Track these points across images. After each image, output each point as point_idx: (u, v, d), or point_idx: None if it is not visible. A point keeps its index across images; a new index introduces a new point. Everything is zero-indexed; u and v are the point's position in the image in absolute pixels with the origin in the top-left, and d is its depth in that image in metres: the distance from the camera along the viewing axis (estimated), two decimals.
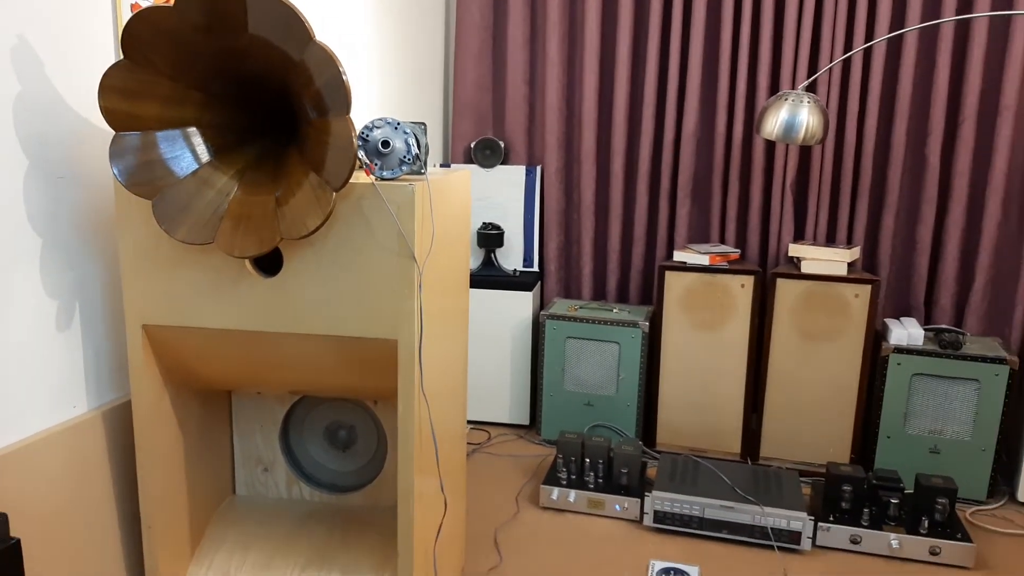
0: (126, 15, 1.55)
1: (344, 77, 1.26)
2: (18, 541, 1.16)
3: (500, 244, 2.92)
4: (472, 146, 2.98)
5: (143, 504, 1.59)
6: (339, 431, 1.88)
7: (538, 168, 2.95)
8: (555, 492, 2.36)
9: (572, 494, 2.34)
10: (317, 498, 1.89)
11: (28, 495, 1.38)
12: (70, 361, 1.50)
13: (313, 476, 1.91)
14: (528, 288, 2.86)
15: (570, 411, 2.76)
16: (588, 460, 2.40)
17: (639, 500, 2.30)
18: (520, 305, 2.87)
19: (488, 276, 2.88)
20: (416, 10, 2.82)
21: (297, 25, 1.25)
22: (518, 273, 2.95)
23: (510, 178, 2.96)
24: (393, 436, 1.83)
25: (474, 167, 2.98)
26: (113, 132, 1.54)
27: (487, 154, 2.97)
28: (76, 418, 1.52)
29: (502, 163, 2.98)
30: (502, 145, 2.96)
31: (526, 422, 2.95)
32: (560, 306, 2.83)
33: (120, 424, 1.61)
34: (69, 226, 1.47)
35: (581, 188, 2.91)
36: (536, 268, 3.00)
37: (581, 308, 2.80)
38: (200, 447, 1.74)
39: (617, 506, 2.32)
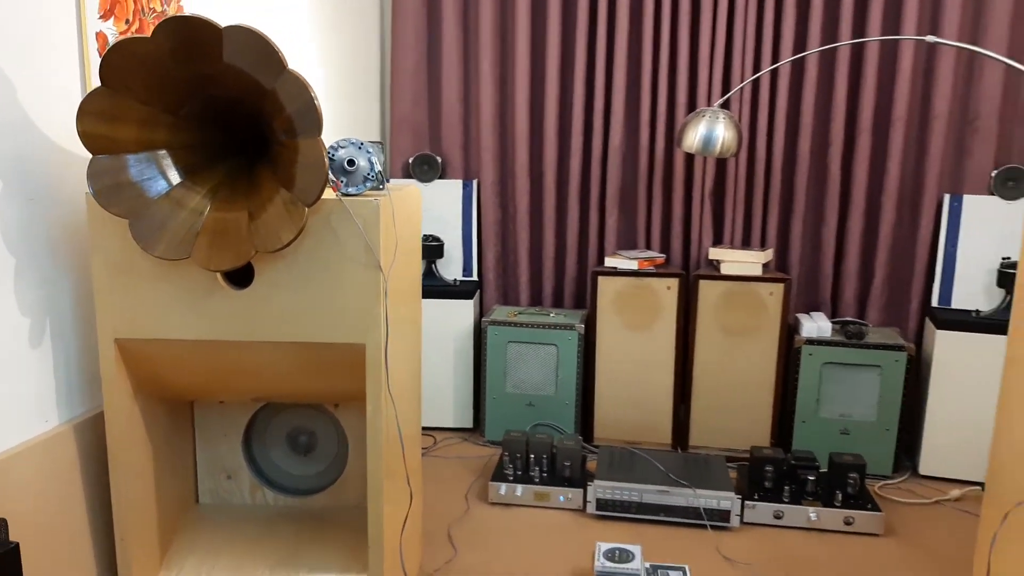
0: (92, 42, 1.61)
1: (316, 103, 1.37)
2: (17, 545, 1.22)
3: (440, 255, 3.04)
4: (410, 161, 3.10)
5: (116, 514, 1.65)
6: (300, 437, 1.97)
7: (474, 182, 3.09)
8: (503, 488, 2.49)
9: (519, 488, 2.48)
10: (281, 502, 1.97)
11: (2, 508, 1.42)
12: (42, 376, 1.55)
13: (276, 481, 1.98)
14: (468, 296, 2.99)
15: (513, 412, 2.90)
16: (532, 456, 2.55)
17: (582, 490, 2.46)
18: (461, 313, 3.00)
19: (429, 286, 3.00)
20: (352, 30, 2.93)
21: (271, 56, 1.36)
22: (458, 283, 3.08)
23: (448, 192, 3.09)
24: (355, 438, 1.93)
25: (413, 181, 3.10)
26: (82, 154, 1.61)
27: (425, 169, 3.10)
28: (48, 432, 1.57)
29: (440, 177, 3.11)
30: (439, 160, 3.09)
31: (470, 425, 3.08)
32: (500, 312, 2.98)
33: (91, 436, 1.66)
34: (41, 245, 1.52)
35: (516, 200, 3.07)
36: (475, 277, 3.13)
37: (520, 314, 2.95)
38: (167, 457, 1.80)
39: (561, 497, 2.47)
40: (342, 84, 2.84)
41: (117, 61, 1.37)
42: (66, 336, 1.61)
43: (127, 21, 1.70)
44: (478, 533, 2.32)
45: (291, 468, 1.98)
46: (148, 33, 1.77)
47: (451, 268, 3.13)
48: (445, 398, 3.04)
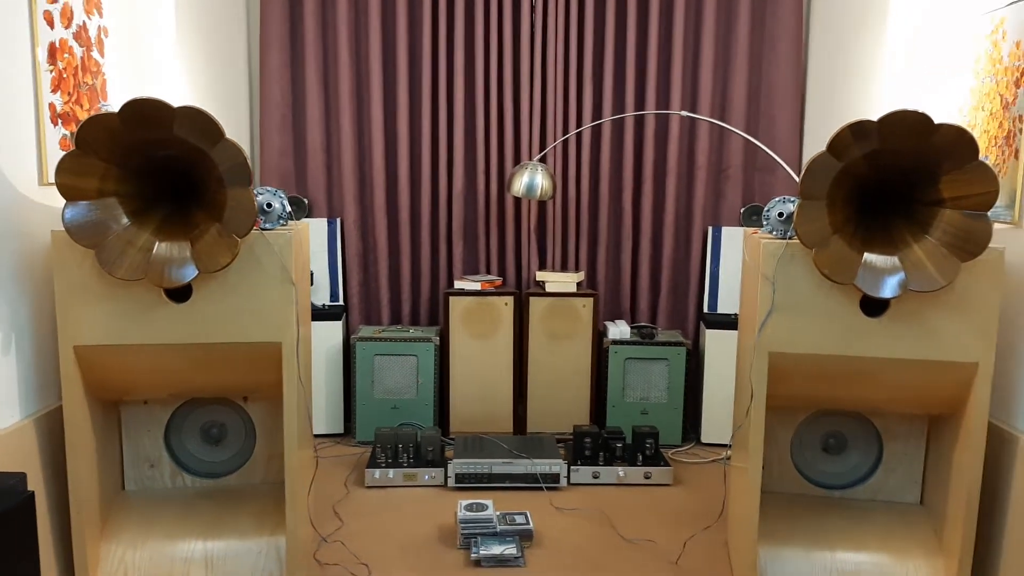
0: (45, 110, 2.02)
1: (247, 163, 1.88)
2: (32, 494, 1.61)
3: (311, 283, 3.52)
4: None
5: (73, 492, 2.01)
6: (212, 429, 2.40)
7: (338, 220, 3.61)
8: (377, 473, 3.00)
9: (391, 472, 3.00)
10: (199, 484, 2.38)
11: None
12: (8, 379, 1.91)
13: (193, 467, 2.39)
14: (337, 318, 3.49)
15: (380, 414, 3.42)
16: (400, 446, 3.08)
17: (443, 469, 3.02)
18: (331, 333, 3.49)
19: None
20: (224, 89, 3.39)
21: (213, 128, 1.86)
22: (326, 306, 3.57)
23: (315, 229, 3.59)
24: (261, 426, 2.39)
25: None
26: (39, 200, 2.00)
27: (294, 209, 3.58)
28: (12, 426, 1.93)
29: (307, 216, 3.60)
30: (306, 201, 3.58)
31: (340, 431, 3.55)
32: (366, 331, 3.50)
33: (47, 429, 2.02)
34: (6, 272, 1.90)
35: (376, 235, 3.62)
36: (341, 302, 3.63)
37: (383, 331, 3.48)
38: (103, 449, 2.18)
39: (427, 476, 3.01)
40: None
41: (89, 130, 1.82)
42: (25, 345, 1.98)
43: (69, 93, 2.12)
44: (359, 508, 2.81)
45: (205, 456, 2.40)
46: (84, 101, 2.20)
47: (320, 294, 3.61)
48: (318, 408, 3.49)
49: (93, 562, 2.09)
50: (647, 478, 3.07)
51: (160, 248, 1.93)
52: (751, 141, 3.18)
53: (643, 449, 3.12)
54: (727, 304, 3.60)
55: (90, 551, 2.07)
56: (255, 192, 2.06)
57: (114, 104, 2.36)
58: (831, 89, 3.37)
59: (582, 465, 3.06)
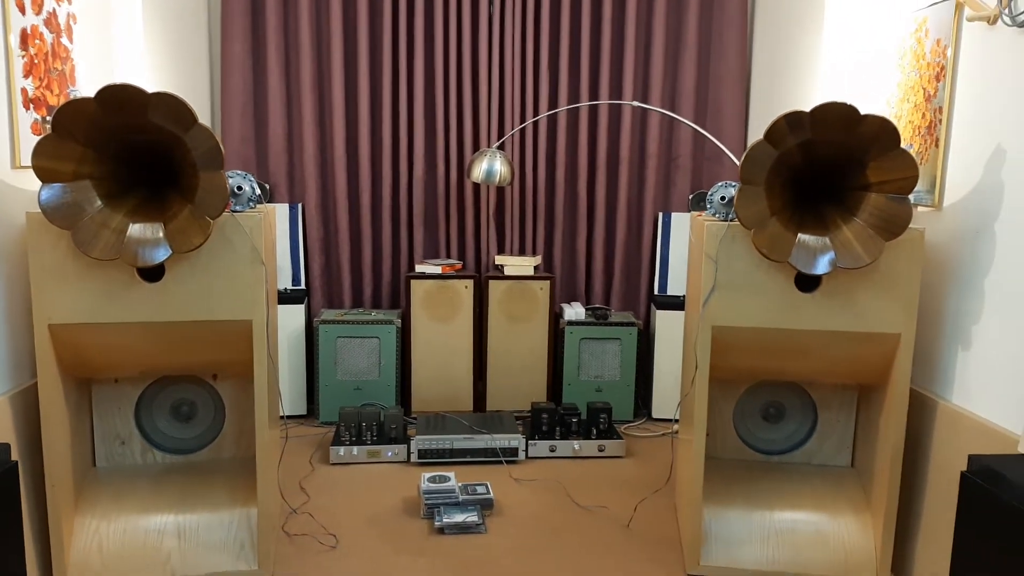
0: (18, 95, 2.06)
1: (220, 147, 1.96)
2: (16, 463, 1.68)
3: None
4: None
5: (48, 467, 2.08)
6: (182, 407, 2.47)
7: (299, 205, 3.68)
8: (341, 450, 3.09)
9: (355, 449, 3.10)
10: (169, 460, 2.46)
11: None
12: None
13: (163, 444, 2.46)
14: (299, 302, 3.56)
15: (343, 395, 3.51)
16: (364, 424, 3.18)
17: (406, 446, 3.13)
18: (293, 316, 3.56)
19: None
20: (185, 73, 3.42)
21: (186, 114, 1.93)
22: (288, 290, 3.64)
23: (277, 214, 3.65)
24: (231, 403, 2.47)
25: None
26: (9, 182, 2.04)
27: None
28: None
29: (268, 202, 3.66)
30: (268, 187, 3.64)
31: (303, 412, 3.63)
32: (329, 314, 3.58)
33: (21, 406, 2.08)
34: None
35: (337, 220, 3.70)
36: (303, 286, 3.71)
37: (346, 314, 3.57)
38: (75, 426, 2.24)
39: (390, 452, 3.12)
40: None
41: (65, 115, 1.88)
42: None
43: (40, 78, 2.16)
44: (325, 484, 2.91)
45: (175, 432, 2.47)
46: (54, 86, 2.24)
47: (282, 279, 3.67)
48: (282, 389, 3.56)
49: (68, 534, 2.15)
50: (601, 451, 3.22)
51: (134, 229, 1.99)
52: (698, 131, 3.35)
53: (597, 424, 3.27)
54: (677, 286, 3.77)
55: (65, 524, 2.14)
56: (229, 175, 2.14)
57: (82, 89, 2.40)
58: (773, 81, 3.55)
59: (539, 440, 3.20)
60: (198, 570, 2.21)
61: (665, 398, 3.66)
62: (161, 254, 1.99)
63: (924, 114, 2.27)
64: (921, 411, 2.24)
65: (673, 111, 3.72)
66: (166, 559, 2.21)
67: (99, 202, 1.98)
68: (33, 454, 2.12)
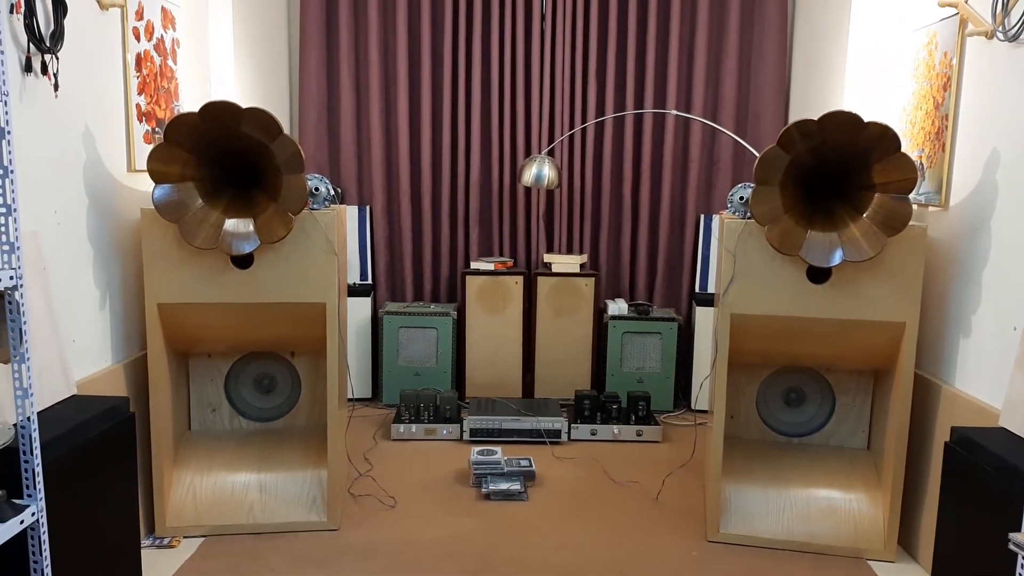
0: (133, 110, 2.45)
1: (301, 154, 2.30)
2: (134, 414, 2.04)
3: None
4: None
5: (154, 426, 2.45)
6: (264, 380, 2.83)
7: (368, 207, 4.03)
8: (401, 428, 3.42)
9: (414, 427, 3.42)
10: (252, 427, 2.81)
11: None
12: (104, 330, 2.35)
13: (247, 412, 2.82)
14: (366, 295, 3.91)
15: (404, 380, 3.84)
16: (422, 405, 3.49)
17: (459, 425, 3.43)
18: (360, 308, 3.91)
19: None
20: (268, 86, 3.82)
21: (273, 125, 2.27)
22: (357, 284, 4.00)
23: (347, 215, 4.01)
24: (306, 378, 2.82)
25: None
26: (128, 184, 2.42)
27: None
28: (106, 369, 2.36)
29: (340, 203, 4.02)
30: (340, 190, 4.00)
31: (368, 395, 3.97)
32: (392, 306, 3.92)
33: (131, 373, 2.46)
34: (105, 242, 2.34)
35: (401, 220, 4.04)
36: (370, 280, 4.06)
37: (407, 307, 3.91)
38: (175, 393, 2.61)
39: (444, 431, 3.43)
40: None
41: (175, 126, 2.24)
42: (117, 304, 2.41)
43: (151, 95, 2.55)
44: (387, 455, 3.24)
45: (258, 402, 2.83)
46: (161, 102, 2.63)
47: (352, 274, 4.03)
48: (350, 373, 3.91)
49: (168, 485, 2.52)
50: (639, 435, 3.46)
51: (228, 223, 2.35)
52: (734, 138, 3.56)
53: (636, 411, 3.51)
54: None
55: (166, 477, 2.51)
56: (308, 177, 2.48)
57: (184, 104, 2.79)
58: (809, 91, 3.74)
59: (581, 423, 3.46)
60: (276, 519, 2.55)
61: (705, 390, 3.86)
62: (251, 245, 2.34)
63: (934, 121, 2.46)
64: (927, 395, 2.42)
65: (714, 119, 3.94)
66: (249, 509, 2.56)
67: (200, 200, 2.35)
68: (140, 417, 2.50)
